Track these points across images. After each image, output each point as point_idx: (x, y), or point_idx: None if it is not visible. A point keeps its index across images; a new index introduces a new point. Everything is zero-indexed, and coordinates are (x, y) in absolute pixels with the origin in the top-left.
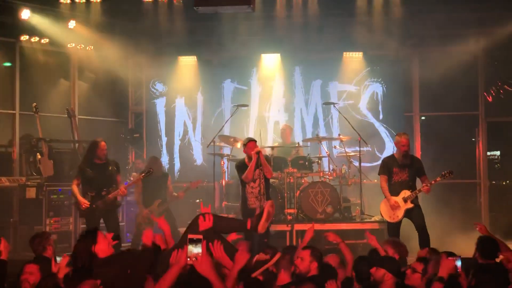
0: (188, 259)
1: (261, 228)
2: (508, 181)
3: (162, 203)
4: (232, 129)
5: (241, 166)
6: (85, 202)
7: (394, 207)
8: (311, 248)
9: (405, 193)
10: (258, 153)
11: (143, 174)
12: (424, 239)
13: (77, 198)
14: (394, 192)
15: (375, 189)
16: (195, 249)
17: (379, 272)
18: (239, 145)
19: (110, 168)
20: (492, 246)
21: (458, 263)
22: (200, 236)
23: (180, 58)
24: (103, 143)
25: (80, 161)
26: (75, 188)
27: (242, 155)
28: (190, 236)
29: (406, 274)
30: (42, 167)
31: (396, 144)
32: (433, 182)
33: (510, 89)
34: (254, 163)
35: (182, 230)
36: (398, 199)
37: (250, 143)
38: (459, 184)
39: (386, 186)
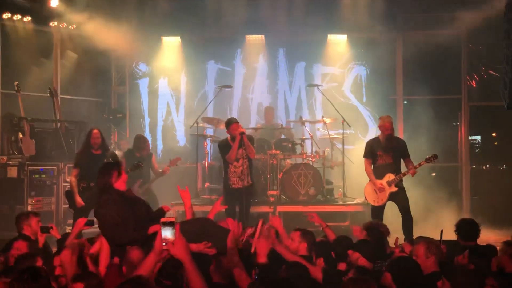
0: (164, 244)
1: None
2: (488, 166)
3: (144, 183)
4: (215, 110)
5: (224, 146)
6: (80, 203)
7: (379, 190)
8: (301, 230)
9: (389, 176)
10: (242, 133)
11: (132, 168)
12: (407, 222)
13: (74, 195)
14: (378, 175)
15: (358, 171)
16: (169, 233)
17: (354, 255)
18: (222, 126)
19: (105, 161)
20: (472, 227)
21: None
22: (173, 219)
23: (164, 38)
24: (95, 131)
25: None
26: (74, 182)
27: (226, 136)
28: (162, 219)
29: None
30: (24, 146)
31: (380, 127)
32: (417, 165)
33: (493, 73)
34: (237, 143)
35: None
36: (383, 182)
37: (233, 124)
38: (441, 167)
39: (370, 169)
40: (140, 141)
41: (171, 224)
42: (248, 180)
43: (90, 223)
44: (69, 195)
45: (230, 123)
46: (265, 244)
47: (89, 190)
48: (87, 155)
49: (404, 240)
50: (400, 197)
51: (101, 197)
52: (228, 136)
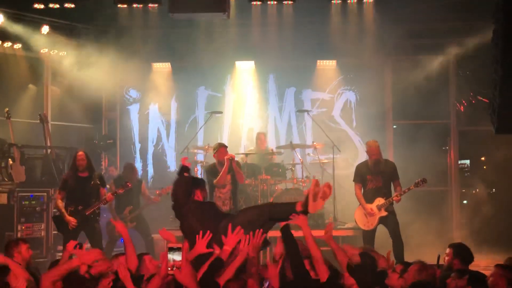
0: (169, 269)
1: (311, 208)
2: (477, 189)
3: (133, 210)
4: (206, 136)
5: (211, 171)
6: (72, 222)
7: (369, 215)
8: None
9: (379, 200)
10: (231, 159)
11: (120, 190)
12: (398, 246)
13: (64, 217)
14: (369, 199)
15: (348, 196)
16: (175, 258)
17: (349, 281)
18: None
19: (92, 182)
20: (468, 251)
21: None
22: (180, 245)
23: (154, 64)
24: (79, 153)
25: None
26: (60, 204)
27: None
28: (170, 245)
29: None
30: (14, 173)
31: (367, 152)
32: (406, 190)
33: (481, 99)
34: (226, 168)
35: (155, 236)
36: (373, 206)
37: (221, 148)
38: (430, 191)
39: (360, 193)
40: (128, 170)
41: (178, 249)
42: (230, 205)
43: (79, 246)
44: (57, 219)
45: (218, 148)
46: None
47: (78, 213)
48: (74, 178)
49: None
50: (390, 221)
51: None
52: (216, 161)
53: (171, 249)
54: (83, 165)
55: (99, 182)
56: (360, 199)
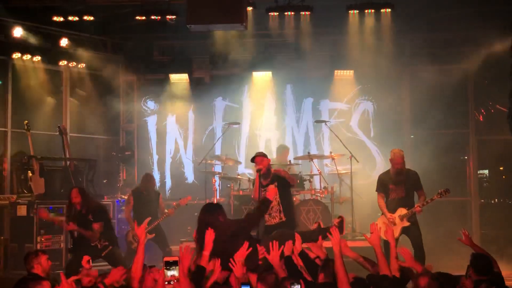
0: (166, 282)
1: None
2: (496, 199)
3: (152, 221)
4: (223, 147)
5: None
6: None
7: (391, 225)
8: None
9: (402, 211)
10: (259, 170)
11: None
12: (419, 257)
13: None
14: (391, 210)
15: (366, 207)
16: (170, 272)
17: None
18: (231, 163)
19: (86, 220)
20: (486, 262)
21: None
22: (176, 258)
23: (172, 76)
24: (73, 190)
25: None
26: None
27: (233, 173)
28: (166, 259)
29: None
30: (33, 185)
31: (391, 161)
32: (429, 200)
33: (500, 108)
34: (257, 182)
35: (173, 247)
36: (395, 216)
37: (256, 158)
38: (450, 201)
39: (383, 203)
40: (145, 179)
41: (175, 263)
42: (281, 217)
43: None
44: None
45: (252, 158)
46: None
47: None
48: (73, 216)
49: None
50: (412, 232)
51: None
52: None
53: (168, 263)
54: (78, 202)
55: (91, 219)
56: (383, 208)
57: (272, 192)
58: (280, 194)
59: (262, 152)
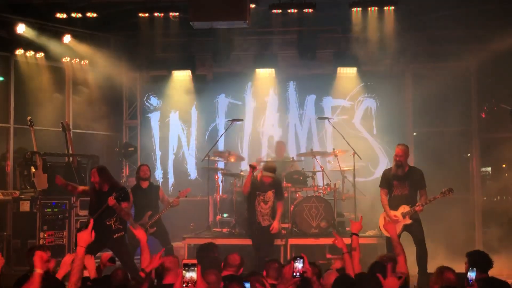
0: (184, 284)
1: None
2: (499, 197)
3: (152, 215)
4: (226, 144)
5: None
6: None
7: (393, 222)
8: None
9: (404, 208)
10: (252, 167)
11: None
12: (421, 254)
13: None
14: (394, 206)
15: (369, 203)
16: (189, 274)
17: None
18: (234, 159)
19: (107, 198)
20: (485, 258)
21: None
22: (195, 261)
23: (175, 72)
24: (92, 171)
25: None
26: None
27: (236, 169)
28: (184, 261)
29: None
30: (36, 181)
31: (394, 155)
32: (432, 199)
33: (503, 105)
34: (248, 177)
35: (175, 244)
36: (397, 213)
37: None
38: (452, 199)
39: (386, 200)
40: (138, 169)
41: (193, 266)
42: (270, 221)
43: (112, 260)
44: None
45: (266, 167)
46: None
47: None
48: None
49: (418, 273)
50: (415, 229)
51: None
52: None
53: (186, 265)
54: (96, 181)
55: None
56: (385, 205)
57: None
58: (273, 201)
59: (273, 170)
